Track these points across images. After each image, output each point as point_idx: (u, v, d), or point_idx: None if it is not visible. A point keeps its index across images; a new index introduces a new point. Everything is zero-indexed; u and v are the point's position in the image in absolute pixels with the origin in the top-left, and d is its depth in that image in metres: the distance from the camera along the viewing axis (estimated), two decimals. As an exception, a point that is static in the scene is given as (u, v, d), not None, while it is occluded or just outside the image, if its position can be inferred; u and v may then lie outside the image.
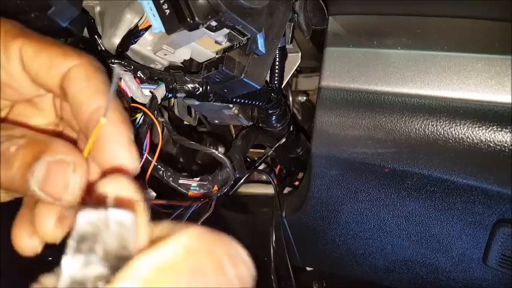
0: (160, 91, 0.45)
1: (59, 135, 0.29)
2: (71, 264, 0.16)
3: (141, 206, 0.20)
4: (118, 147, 0.24)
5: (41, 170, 0.22)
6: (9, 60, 0.25)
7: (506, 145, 0.48)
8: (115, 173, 0.23)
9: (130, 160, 0.24)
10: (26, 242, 0.25)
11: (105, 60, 0.43)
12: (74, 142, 0.28)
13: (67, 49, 0.25)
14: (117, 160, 0.24)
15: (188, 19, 0.34)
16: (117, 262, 0.17)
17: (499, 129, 0.48)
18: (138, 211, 0.20)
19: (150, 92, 0.46)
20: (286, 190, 0.79)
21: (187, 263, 0.16)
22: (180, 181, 0.47)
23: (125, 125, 0.25)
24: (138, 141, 0.41)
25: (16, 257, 0.25)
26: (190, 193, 0.48)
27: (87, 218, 0.17)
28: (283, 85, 0.59)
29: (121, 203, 0.20)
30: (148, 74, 0.45)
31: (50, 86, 0.26)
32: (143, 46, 0.47)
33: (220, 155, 0.48)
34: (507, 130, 0.48)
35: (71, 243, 0.17)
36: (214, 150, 0.49)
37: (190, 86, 0.48)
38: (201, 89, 0.48)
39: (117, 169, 0.24)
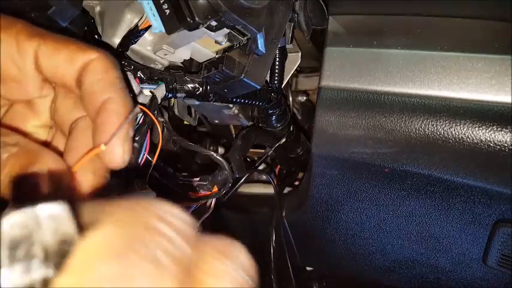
0: (160, 91, 0.45)
1: (48, 144, 0.30)
2: (10, 277, 0.14)
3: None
4: (114, 138, 0.25)
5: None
6: (23, 57, 0.26)
7: (506, 145, 0.48)
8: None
9: (120, 153, 0.25)
10: None
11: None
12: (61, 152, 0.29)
13: (84, 45, 0.27)
14: (109, 148, 0.25)
15: (188, 19, 0.34)
16: (61, 258, 0.15)
17: (499, 129, 0.48)
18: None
19: (150, 92, 0.46)
20: (286, 190, 0.79)
21: (119, 239, 0.16)
22: (180, 181, 0.47)
23: (128, 121, 0.26)
24: (139, 141, 0.40)
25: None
26: (189, 193, 0.48)
27: (13, 221, 0.15)
28: (283, 85, 0.59)
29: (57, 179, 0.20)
30: (148, 74, 0.45)
31: (68, 80, 0.27)
32: (143, 46, 0.47)
33: (218, 157, 0.48)
34: (507, 130, 0.48)
35: (3, 253, 0.15)
36: (212, 153, 0.49)
37: (190, 86, 0.48)
38: (201, 89, 0.48)
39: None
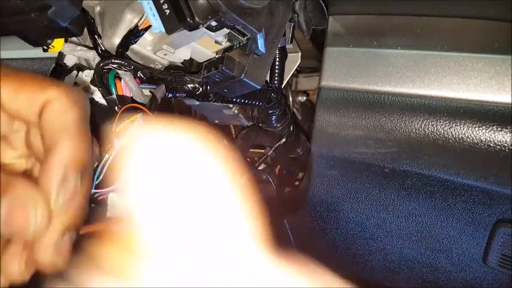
0: (160, 91, 0.45)
1: (29, 172, 0.30)
2: None
3: None
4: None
5: (4, 209, 0.22)
6: None
7: (506, 145, 0.48)
8: None
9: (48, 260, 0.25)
10: None
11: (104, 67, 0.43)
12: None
13: (46, 82, 0.27)
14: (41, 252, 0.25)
15: (188, 19, 0.34)
16: None
17: (499, 129, 0.48)
18: None
19: (150, 92, 0.46)
20: (286, 190, 0.79)
21: None
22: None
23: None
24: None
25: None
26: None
27: None
28: (283, 85, 0.59)
29: None
30: (148, 74, 0.45)
31: (31, 118, 0.27)
32: (143, 46, 0.46)
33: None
34: (507, 130, 0.48)
35: None
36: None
37: (190, 86, 0.48)
38: (201, 89, 0.48)
39: None
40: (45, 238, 0.24)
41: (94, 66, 0.47)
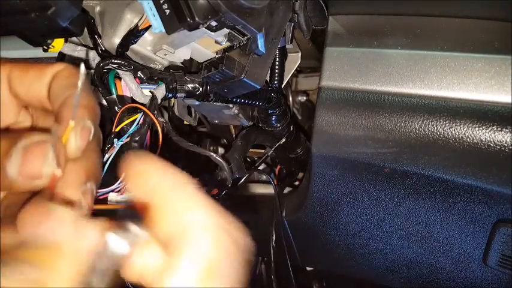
0: (160, 91, 0.45)
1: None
2: None
3: None
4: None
5: (19, 153, 0.22)
6: None
7: (506, 145, 0.48)
8: None
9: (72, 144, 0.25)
10: None
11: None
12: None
13: (49, 63, 0.29)
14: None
15: (188, 19, 0.34)
16: None
17: (499, 129, 0.48)
18: None
19: (150, 92, 0.46)
20: (286, 190, 0.79)
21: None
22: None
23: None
24: (138, 141, 0.41)
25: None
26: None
27: None
28: (283, 85, 0.59)
29: None
30: (148, 74, 0.45)
31: (41, 96, 0.28)
32: (143, 46, 0.47)
33: (218, 158, 0.48)
34: (507, 130, 0.48)
35: None
36: (212, 153, 0.49)
37: (190, 86, 0.48)
38: (201, 89, 0.48)
39: None
40: (69, 177, 0.24)
41: (94, 66, 0.47)
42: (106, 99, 0.46)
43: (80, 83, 0.25)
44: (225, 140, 0.84)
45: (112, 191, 0.37)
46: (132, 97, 0.46)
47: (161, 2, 0.36)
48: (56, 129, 0.25)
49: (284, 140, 0.67)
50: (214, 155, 0.48)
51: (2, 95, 0.28)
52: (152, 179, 0.23)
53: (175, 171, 0.24)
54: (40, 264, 0.20)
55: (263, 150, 0.79)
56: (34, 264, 0.20)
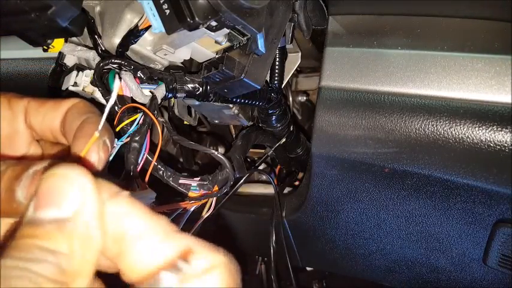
0: (160, 91, 0.45)
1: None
2: None
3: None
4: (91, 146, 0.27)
5: (29, 177, 0.23)
6: (15, 114, 0.29)
7: (506, 145, 0.48)
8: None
9: (96, 159, 0.27)
10: None
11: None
12: None
13: (62, 98, 0.30)
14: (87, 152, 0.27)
15: (188, 19, 0.34)
16: None
17: (499, 129, 0.48)
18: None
19: (150, 92, 0.46)
20: (286, 190, 0.79)
21: None
22: (180, 181, 0.47)
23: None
24: (138, 141, 0.40)
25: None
26: (190, 193, 0.48)
27: None
28: (283, 85, 0.59)
29: None
30: (148, 74, 0.45)
31: (54, 125, 0.30)
32: (143, 46, 0.47)
33: (220, 156, 0.48)
34: (507, 130, 0.48)
35: None
36: (213, 151, 0.49)
37: (190, 86, 0.48)
38: (201, 89, 0.48)
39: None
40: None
41: (94, 66, 0.47)
42: (106, 99, 0.46)
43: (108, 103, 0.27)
44: (225, 140, 0.84)
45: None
46: (132, 97, 0.46)
47: (161, 2, 0.36)
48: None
49: (284, 140, 0.67)
50: (216, 153, 0.48)
51: (18, 127, 0.30)
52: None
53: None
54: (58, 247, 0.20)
55: (263, 150, 0.79)
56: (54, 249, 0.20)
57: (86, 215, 0.21)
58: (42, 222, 0.20)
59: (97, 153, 0.26)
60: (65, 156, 0.30)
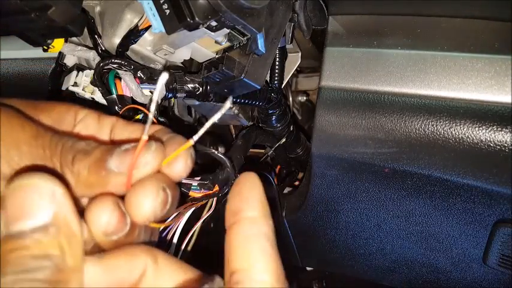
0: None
1: None
2: None
3: None
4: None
5: (121, 152, 0.25)
6: (102, 129, 0.31)
7: (506, 145, 0.48)
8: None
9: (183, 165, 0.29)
10: None
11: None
12: None
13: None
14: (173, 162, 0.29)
15: (188, 19, 0.34)
16: None
17: (499, 129, 0.48)
18: None
19: (150, 92, 0.46)
20: (286, 190, 0.79)
21: None
22: (181, 180, 0.47)
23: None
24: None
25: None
26: (191, 192, 0.48)
27: None
28: (283, 85, 0.59)
29: None
30: (149, 74, 0.45)
31: None
32: (143, 46, 0.47)
33: (220, 155, 0.48)
34: (507, 130, 0.48)
35: None
36: (214, 151, 0.49)
37: (190, 86, 0.48)
38: (201, 89, 0.48)
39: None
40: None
41: (94, 66, 0.47)
42: (106, 99, 0.46)
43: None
44: (225, 140, 0.84)
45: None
46: (132, 97, 0.46)
47: (161, 2, 0.36)
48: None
49: (284, 140, 0.67)
50: (216, 152, 0.48)
51: (102, 138, 0.31)
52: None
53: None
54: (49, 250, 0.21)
55: (263, 150, 0.79)
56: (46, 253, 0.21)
57: (64, 215, 0.22)
58: (25, 233, 0.21)
59: (185, 159, 0.28)
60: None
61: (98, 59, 0.48)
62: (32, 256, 0.20)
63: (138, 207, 0.25)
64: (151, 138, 0.29)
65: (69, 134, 0.29)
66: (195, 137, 0.26)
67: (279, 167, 0.82)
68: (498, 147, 0.48)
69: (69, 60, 0.52)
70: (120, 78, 0.45)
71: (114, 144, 0.30)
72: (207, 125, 0.24)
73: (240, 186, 0.25)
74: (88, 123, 0.30)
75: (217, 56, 0.47)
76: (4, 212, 0.21)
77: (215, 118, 0.23)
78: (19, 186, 0.21)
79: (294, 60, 0.63)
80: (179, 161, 0.27)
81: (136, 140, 0.27)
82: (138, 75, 0.44)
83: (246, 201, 0.24)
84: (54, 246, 0.21)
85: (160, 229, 0.35)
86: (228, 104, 0.24)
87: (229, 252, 0.24)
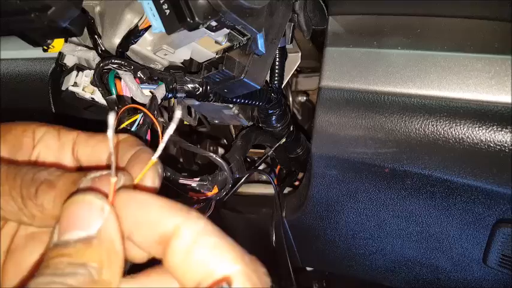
0: (160, 91, 0.45)
1: None
2: None
3: None
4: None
5: (88, 181, 0.24)
6: (63, 146, 0.30)
7: (506, 145, 0.48)
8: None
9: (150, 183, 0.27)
10: None
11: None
12: None
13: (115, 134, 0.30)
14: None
15: (188, 19, 0.34)
16: None
17: (499, 129, 0.48)
18: None
19: (150, 92, 0.46)
20: (286, 190, 0.79)
21: None
22: (180, 181, 0.47)
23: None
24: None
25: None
26: (190, 193, 0.48)
27: None
28: (283, 85, 0.59)
29: None
30: (148, 74, 0.45)
31: (101, 158, 0.30)
32: (143, 46, 0.46)
33: (218, 159, 0.48)
34: (507, 130, 0.48)
35: None
36: (211, 154, 0.49)
37: (190, 86, 0.48)
38: (201, 89, 0.48)
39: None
40: None
41: (94, 66, 0.47)
42: (106, 99, 0.46)
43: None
44: (225, 140, 0.84)
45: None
46: (132, 97, 0.46)
47: (161, 2, 0.36)
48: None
49: (284, 140, 0.67)
50: (214, 156, 0.48)
51: (64, 156, 0.30)
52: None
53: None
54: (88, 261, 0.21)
55: (263, 150, 0.79)
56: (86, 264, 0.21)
57: (109, 231, 0.22)
58: (69, 243, 0.21)
59: (152, 179, 0.27)
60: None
61: (97, 59, 0.48)
62: (69, 262, 0.21)
63: None
64: (116, 149, 0.28)
65: (27, 161, 0.29)
66: (156, 154, 0.25)
67: (279, 167, 0.82)
68: (498, 147, 0.48)
69: (69, 60, 0.52)
70: (120, 78, 0.45)
71: (78, 168, 0.30)
72: (165, 139, 0.24)
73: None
74: (48, 143, 0.30)
75: (217, 56, 0.47)
76: (58, 224, 0.22)
77: (170, 131, 0.23)
78: (72, 202, 0.22)
79: (294, 60, 0.63)
80: (146, 182, 0.27)
81: (100, 156, 0.27)
82: (138, 75, 0.44)
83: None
84: (93, 257, 0.21)
85: None
86: (177, 114, 0.23)
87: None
